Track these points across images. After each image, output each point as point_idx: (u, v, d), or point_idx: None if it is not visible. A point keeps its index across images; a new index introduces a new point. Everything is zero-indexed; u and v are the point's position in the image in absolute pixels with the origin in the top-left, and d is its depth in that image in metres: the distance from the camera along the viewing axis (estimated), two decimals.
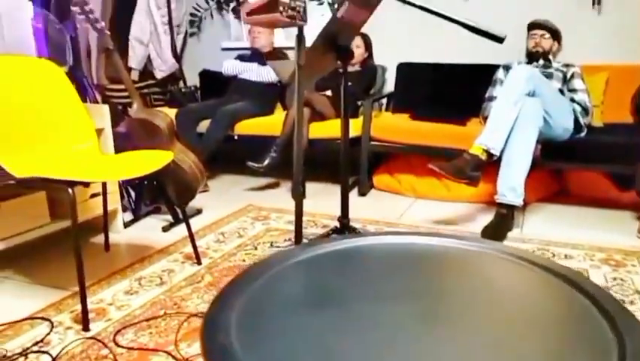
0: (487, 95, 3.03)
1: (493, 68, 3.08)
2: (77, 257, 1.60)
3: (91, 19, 2.10)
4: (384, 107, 3.71)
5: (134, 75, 3.74)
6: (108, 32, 2.19)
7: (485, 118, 2.79)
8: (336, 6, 3.63)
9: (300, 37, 1.56)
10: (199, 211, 2.77)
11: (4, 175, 1.74)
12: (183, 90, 3.83)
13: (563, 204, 2.86)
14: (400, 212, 2.79)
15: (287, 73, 3.28)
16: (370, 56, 3.57)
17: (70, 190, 1.64)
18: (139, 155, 2.08)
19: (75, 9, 2.08)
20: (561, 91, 2.78)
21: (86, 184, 1.98)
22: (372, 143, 3.08)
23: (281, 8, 1.41)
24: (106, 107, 2.33)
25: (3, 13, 2.11)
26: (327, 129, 3.10)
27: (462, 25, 1.47)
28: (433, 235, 1.11)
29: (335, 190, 3.17)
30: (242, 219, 2.66)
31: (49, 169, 1.74)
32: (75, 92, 2.13)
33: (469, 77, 3.31)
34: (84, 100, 2.52)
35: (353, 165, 2.82)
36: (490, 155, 2.37)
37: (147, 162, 1.92)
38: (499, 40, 1.47)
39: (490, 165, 2.39)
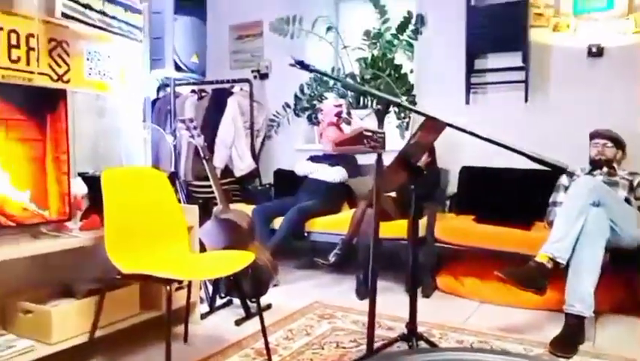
0: (551, 199, 3.09)
1: (556, 172, 3.16)
2: (167, 349, 1.78)
3: (194, 134, 2.44)
4: (447, 208, 3.82)
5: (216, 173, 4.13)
6: (205, 144, 2.52)
7: (550, 223, 2.84)
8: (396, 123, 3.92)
9: (380, 162, 1.77)
10: (269, 306, 2.92)
11: (113, 270, 2.01)
12: (259, 188, 4.16)
13: (638, 316, 2.78)
14: (465, 316, 2.81)
15: (365, 188, 3.48)
16: (434, 159, 3.75)
17: (167, 287, 1.86)
18: (223, 255, 2.31)
19: (181, 125, 2.43)
20: (627, 200, 2.80)
21: (180, 281, 2.21)
22: (437, 244, 3.18)
23: (365, 141, 1.64)
24: (195, 208, 2.61)
25: (122, 128, 2.50)
26: (391, 229, 3.23)
27: (524, 155, 1.62)
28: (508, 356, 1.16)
29: (397, 289, 3.24)
30: (309, 316, 2.78)
31: (149, 266, 1.99)
32: (174, 194, 2.43)
33: (532, 182, 3.39)
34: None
35: (416, 266, 2.91)
36: (556, 263, 2.40)
37: (231, 262, 2.12)
38: (562, 170, 1.60)
39: (557, 273, 2.41)
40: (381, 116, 1.88)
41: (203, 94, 4.29)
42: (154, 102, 4.20)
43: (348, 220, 3.35)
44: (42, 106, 2.02)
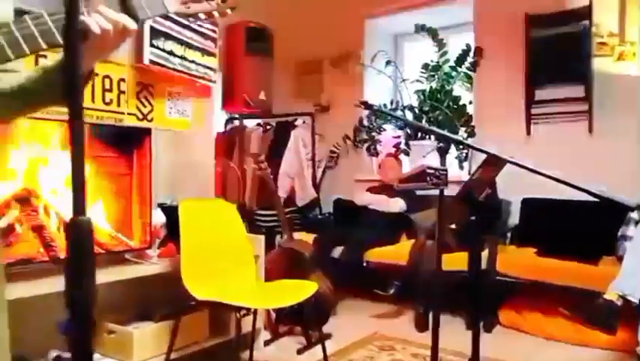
0: (620, 233, 3.00)
1: (624, 205, 3.07)
2: None
3: (262, 167, 2.59)
4: (508, 240, 3.77)
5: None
6: (272, 176, 2.66)
7: (620, 258, 2.76)
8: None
9: (442, 198, 1.83)
10: (329, 336, 2.98)
11: (188, 296, 2.15)
12: (320, 217, 4.28)
13: None
14: (528, 353, 2.75)
15: (428, 221, 3.52)
16: (494, 190, 3.72)
17: (237, 314, 1.98)
18: (288, 284, 2.41)
19: (250, 159, 2.59)
20: None
21: (247, 308, 2.32)
22: (498, 277, 3.14)
23: (428, 178, 1.71)
24: (261, 238, 2.74)
25: (198, 162, 2.70)
26: (452, 261, 3.22)
27: (590, 194, 1.63)
28: None
29: (457, 322, 3.21)
30: (369, 347, 2.82)
31: (221, 294, 2.12)
32: (242, 224, 2.57)
33: (599, 214, 3.28)
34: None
35: (477, 299, 2.89)
36: (627, 301, 2.33)
37: (296, 291, 2.22)
38: (631, 208, 1.60)
39: (629, 311, 2.34)
40: (442, 153, 1.95)
41: (268, 127, 4.50)
42: (221, 135, 4.43)
43: (408, 251, 3.38)
44: (130, 143, 2.23)
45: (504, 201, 3.75)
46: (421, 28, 4.20)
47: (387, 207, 3.84)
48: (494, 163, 2.06)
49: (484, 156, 1.88)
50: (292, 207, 4.21)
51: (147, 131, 2.30)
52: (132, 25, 0.96)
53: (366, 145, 4.50)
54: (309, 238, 3.61)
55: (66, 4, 0.88)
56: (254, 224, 3.56)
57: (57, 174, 1.98)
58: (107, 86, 2.23)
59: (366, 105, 2.11)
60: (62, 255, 1.99)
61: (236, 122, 4.28)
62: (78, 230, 0.81)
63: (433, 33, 4.18)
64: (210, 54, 2.68)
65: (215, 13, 1.08)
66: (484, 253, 3.22)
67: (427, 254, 3.22)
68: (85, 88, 1.03)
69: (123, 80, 2.29)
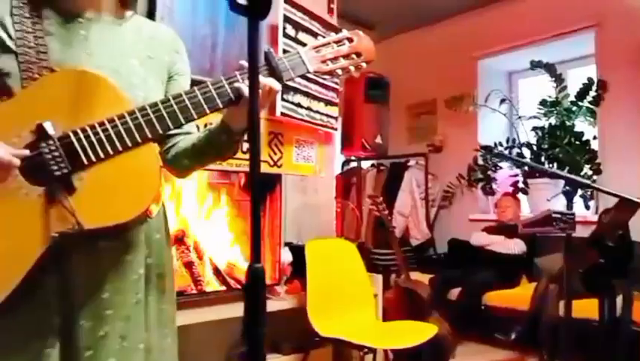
0: None
1: None
2: None
3: (380, 208, 2.71)
4: None
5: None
6: (390, 217, 2.76)
7: None
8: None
9: (569, 242, 1.80)
10: None
11: (313, 332, 2.29)
12: (434, 257, 4.27)
13: None
14: None
15: (552, 265, 3.40)
16: (627, 233, 3.48)
17: (360, 353, 2.07)
18: (407, 325, 2.46)
19: (368, 200, 2.72)
20: None
21: (372, 349, 2.41)
22: (634, 328, 2.91)
23: (554, 223, 1.70)
24: (379, 277, 2.83)
25: (320, 203, 2.89)
26: (580, 308, 3.04)
27: None
28: None
29: None
30: None
31: (344, 332, 2.23)
32: (362, 263, 2.69)
33: None
34: None
35: (610, 351, 2.70)
36: None
37: (416, 333, 2.27)
38: None
39: None
40: (570, 197, 1.91)
41: (382, 167, 4.63)
42: (339, 176, 4.64)
43: (529, 295, 3.26)
44: (263, 188, 2.47)
45: (638, 244, 3.47)
46: (537, 65, 4.12)
47: (505, 249, 3.73)
48: (628, 206, 1.97)
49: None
50: (406, 247, 4.25)
51: (278, 177, 2.53)
52: (277, 86, 1.13)
53: (481, 184, 4.44)
54: (423, 278, 3.62)
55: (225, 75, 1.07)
56: (370, 263, 3.65)
57: (206, 217, 2.26)
58: (245, 137, 2.49)
59: (486, 149, 2.15)
60: (208, 289, 2.24)
61: (352, 164, 4.48)
62: (254, 275, 0.96)
63: (550, 68, 4.08)
64: (333, 104, 2.89)
65: (352, 68, 1.22)
66: (618, 300, 3.00)
67: (551, 299, 3.08)
68: (241, 142, 1.23)
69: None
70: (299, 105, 2.66)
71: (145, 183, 1.02)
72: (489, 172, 4.40)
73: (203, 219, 2.26)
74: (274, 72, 1.11)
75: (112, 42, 1.10)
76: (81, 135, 0.96)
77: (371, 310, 2.59)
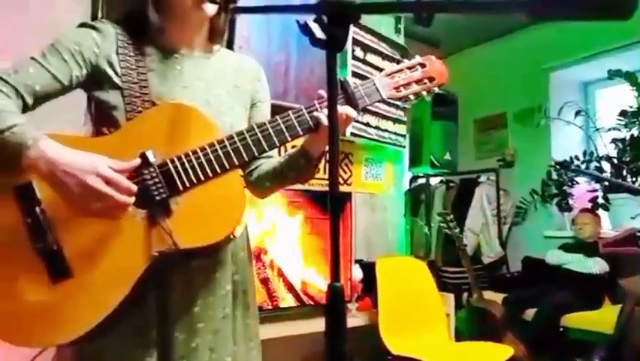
0: None
1: None
2: None
3: (450, 226, 2.69)
4: None
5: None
6: (461, 235, 2.73)
7: None
8: None
9: None
10: None
11: (385, 350, 2.30)
12: (507, 276, 4.14)
13: None
14: None
15: (638, 287, 3.22)
16: None
17: None
18: (482, 346, 2.41)
19: (439, 218, 2.71)
20: None
21: None
22: None
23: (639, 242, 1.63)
24: (451, 296, 2.79)
25: (389, 221, 2.91)
26: None
27: None
28: None
29: None
30: None
31: (416, 350, 2.22)
32: (434, 282, 2.67)
33: None
34: None
35: None
36: None
37: (491, 354, 2.22)
38: None
39: None
40: None
41: (451, 184, 4.57)
42: (407, 193, 4.63)
43: (612, 318, 3.08)
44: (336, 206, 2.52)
45: None
46: (615, 74, 3.93)
47: (584, 268, 3.55)
48: None
49: None
50: (478, 265, 4.15)
51: (348, 195, 2.58)
52: (354, 114, 1.18)
53: (556, 200, 4.26)
54: (496, 297, 3.51)
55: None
56: (440, 281, 3.60)
57: (281, 235, 2.35)
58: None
59: (562, 165, 2.09)
60: (283, 305, 2.32)
61: (420, 181, 4.45)
62: (334, 293, 1.00)
63: (630, 77, 3.88)
64: (401, 122, 2.92)
65: (424, 93, 1.25)
66: None
67: (637, 323, 2.90)
68: (318, 167, 1.29)
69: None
70: (368, 125, 2.71)
71: (232, 207, 1.11)
72: (565, 187, 4.22)
73: (277, 236, 2.35)
74: (350, 100, 1.16)
75: (203, 75, 1.21)
76: (177, 163, 1.06)
77: (443, 330, 2.57)
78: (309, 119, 1.14)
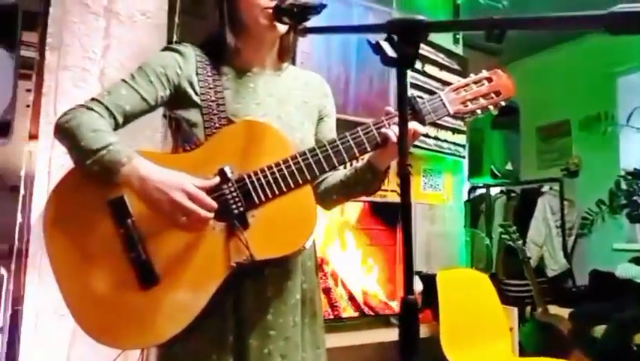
0: None
1: None
2: None
3: (513, 238, 2.63)
4: None
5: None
6: (525, 247, 2.67)
7: None
8: None
9: None
10: None
11: None
12: (574, 290, 3.97)
13: None
14: None
15: None
16: None
17: None
18: None
19: (501, 230, 2.66)
20: None
21: None
22: None
23: None
24: (514, 310, 2.72)
25: (448, 232, 2.89)
26: None
27: None
28: None
29: None
30: None
31: None
32: (496, 295, 2.61)
33: None
34: None
35: None
36: None
37: None
38: None
39: None
40: None
41: (512, 194, 4.45)
42: (466, 203, 4.54)
43: None
44: (393, 217, 2.54)
45: None
46: None
47: None
48: None
49: None
50: (542, 278, 4.01)
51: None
52: (421, 129, 1.20)
53: (625, 210, 4.06)
54: (562, 312, 3.38)
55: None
56: (502, 294, 3.52)
57: (341, 245, 2.39)
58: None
59: (634, 175, 2.01)
60: (344, 315, 2.35)
61: (479, 191, 4.36)
62: (407, 306, 1.02)
63: None
64: (460, 132, 2.90)
65: (491, 107, 1.25)
66: None
67: None
68: (384, 181, 1.31)
69: None
70: (427, 135, 2.71)
71: (305, 219, 1.15)
72: (635, 197, 4.02)
73: (338, 246, 2.39)
74: (417, 116, 1.19)
75: (274, 91, 1.27)
76: (253, 178, 1.12)
77: (507, 344, 2.51)
78: (377, 135, 1.17)
